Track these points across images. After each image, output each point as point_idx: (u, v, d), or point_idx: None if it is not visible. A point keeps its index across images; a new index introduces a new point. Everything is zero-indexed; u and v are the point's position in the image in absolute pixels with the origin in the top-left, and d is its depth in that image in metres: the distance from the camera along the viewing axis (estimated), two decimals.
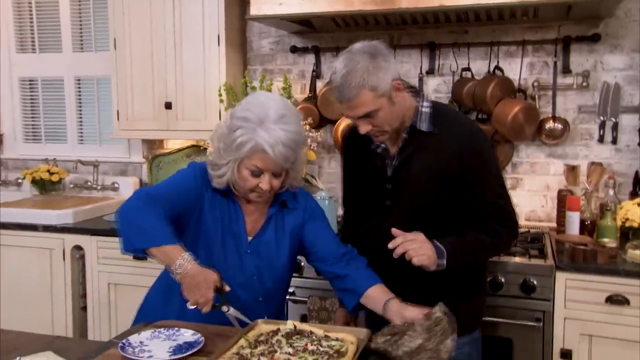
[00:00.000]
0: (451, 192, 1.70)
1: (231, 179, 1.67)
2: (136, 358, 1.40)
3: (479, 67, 2.91)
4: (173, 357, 1.42)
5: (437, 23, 2.85)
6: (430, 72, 2.99)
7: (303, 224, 1.79)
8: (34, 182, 3.55)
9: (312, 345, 1.48)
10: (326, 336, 1.54)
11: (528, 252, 2.39)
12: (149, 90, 3.16)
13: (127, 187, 3.56)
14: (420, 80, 2.99)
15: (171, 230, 1.58)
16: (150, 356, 1.43)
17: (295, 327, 1.59)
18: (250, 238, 1.75)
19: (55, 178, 3.56)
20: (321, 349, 1.46)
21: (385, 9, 2.48)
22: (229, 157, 1.63)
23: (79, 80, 3.73)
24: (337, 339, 1.51)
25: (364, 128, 1.67)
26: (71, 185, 3.70)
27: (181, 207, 1.67)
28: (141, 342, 1.51)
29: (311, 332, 1.55)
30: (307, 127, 2.81)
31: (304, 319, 2.48)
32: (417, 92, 1.77)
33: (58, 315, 3.11)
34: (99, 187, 3.60)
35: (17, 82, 3.83)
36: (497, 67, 2.86)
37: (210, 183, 1.69)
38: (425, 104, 1.73)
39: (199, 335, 1.53)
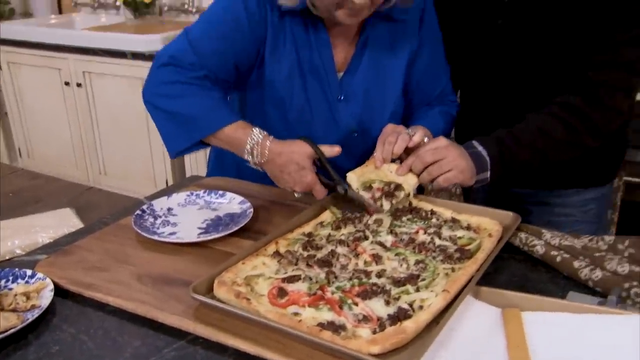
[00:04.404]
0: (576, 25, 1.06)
1: None
2: (147, 235, 0.92)
3: None
4: (198, 237, 0.92)
5: None
6: None
7: (418, 48, 1.16)
8: (127, 2, 3.13)
9: (426, 232, 0.90)
10: (454, 220, 0.95)
11: None
12: None
13: None
14: None
15: (224, 101, 1.05)
16: (174, 232, 0.94)
17: (410, 202, 1.01)
18: (340, 74, 1.13)
19: None
20: (437, 241, 0.88)
21: None
22: None
23: None
24: (468, 227, 0.92)
25: None
26: (166, 8, 3.22)
27: (233, 52, 1.09)
28: (169, 209, 1.03)
29: (433, 212, 0.98)
30: None
31: None
32: None
33: (156, 150, 2.81)
34: (194, 10, 3.09)
35: None
36: None
37: (273, 1, 1.07)
38: None
39: (249, 204, 1.01)
